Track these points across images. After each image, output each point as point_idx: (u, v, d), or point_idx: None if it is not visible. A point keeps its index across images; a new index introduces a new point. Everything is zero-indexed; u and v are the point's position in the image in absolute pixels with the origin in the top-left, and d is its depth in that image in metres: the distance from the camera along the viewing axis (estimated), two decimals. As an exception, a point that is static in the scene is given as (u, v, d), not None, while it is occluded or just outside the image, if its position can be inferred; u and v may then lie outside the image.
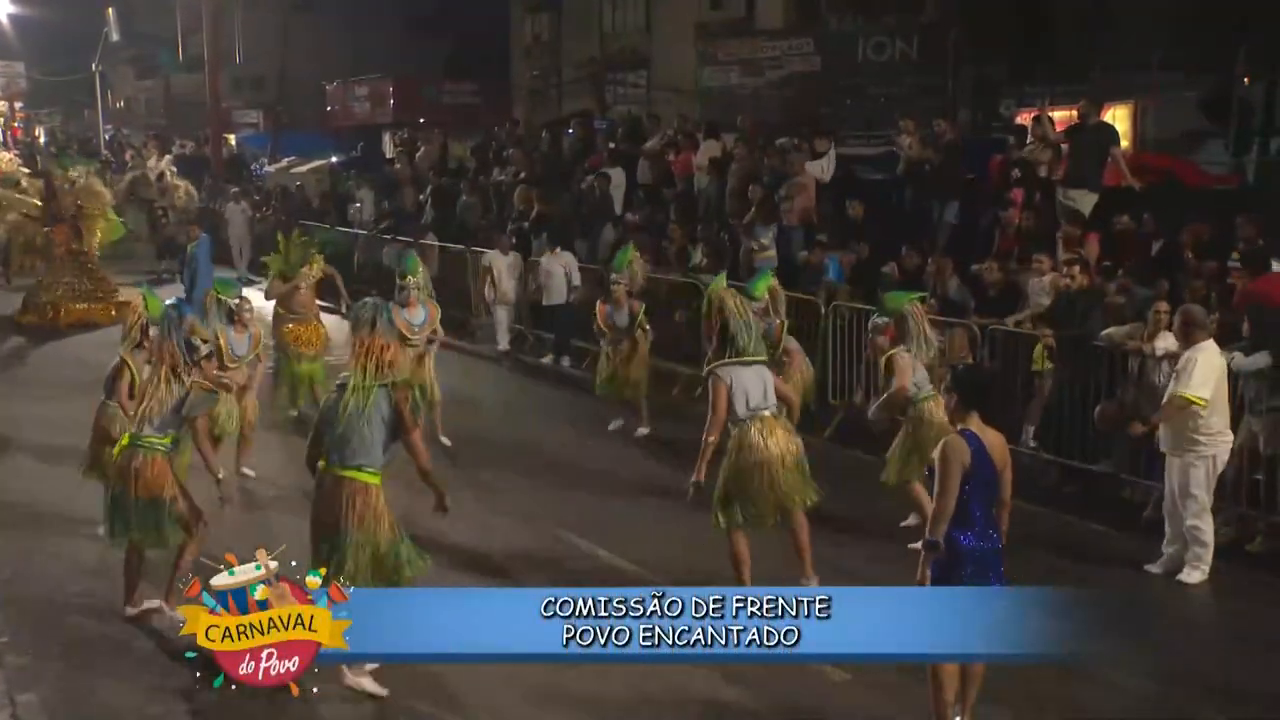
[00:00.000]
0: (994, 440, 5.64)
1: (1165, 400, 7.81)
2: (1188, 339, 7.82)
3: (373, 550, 6.12)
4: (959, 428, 5.66)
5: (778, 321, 9.78)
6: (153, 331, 7.71)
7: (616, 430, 11.58)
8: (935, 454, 5.59)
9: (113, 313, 16.30)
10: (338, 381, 6.39)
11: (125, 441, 7.02)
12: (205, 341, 7.95)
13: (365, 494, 6.13)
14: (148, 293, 8.32)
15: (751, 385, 7.29)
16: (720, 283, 7.80)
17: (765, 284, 9.85)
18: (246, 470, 9.92)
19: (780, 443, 7.23)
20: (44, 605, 7.50)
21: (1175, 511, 7.92)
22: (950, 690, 5.63)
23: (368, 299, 6.61)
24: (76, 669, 6.67)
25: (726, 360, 7.28)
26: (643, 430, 11.45)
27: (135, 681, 6.50)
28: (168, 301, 7.63)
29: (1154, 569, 7.99)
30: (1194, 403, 7.63)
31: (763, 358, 7.47)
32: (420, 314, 10.72)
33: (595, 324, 11.66)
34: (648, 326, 11.42)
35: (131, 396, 7.84)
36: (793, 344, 9.88)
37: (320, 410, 6.70)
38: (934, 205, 13.40)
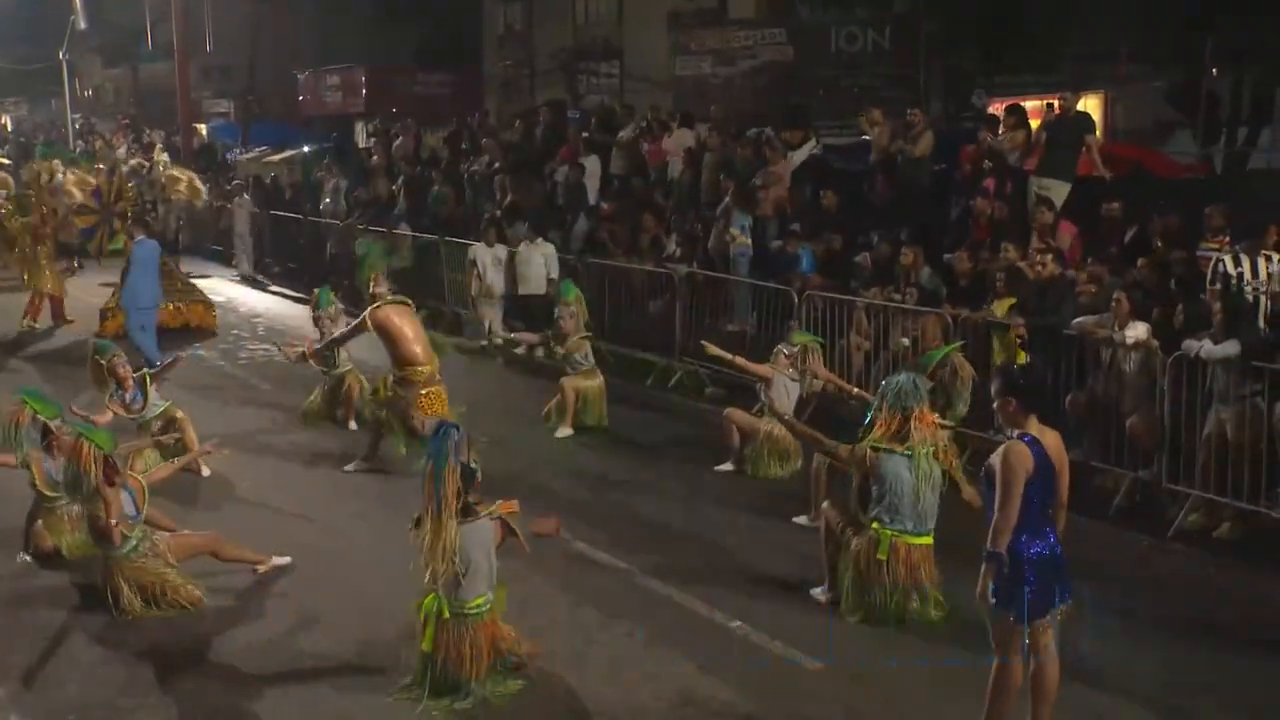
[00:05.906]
0: (1052, 441, 5.36)
1: None
2: None
3: None
4: (1016, 433, 5.31)
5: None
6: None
7: (637, 445, 11.06)
8: (996, 461, 5.22)
9: (214, 316, 16.24)
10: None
11: (446, 614, 5.82)
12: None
13: None
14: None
15: None
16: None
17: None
18: None
19: None
20: (11, 598, 7.44)
21: None
22: (1009, 703, 5.38)
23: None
24: (46, 663, 6.60)
25: None
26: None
27: (105, 675, 6.45)
28: (445, 425, 6.03)
29: None
30: None
31: None
32: None
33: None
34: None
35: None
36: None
37: None
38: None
